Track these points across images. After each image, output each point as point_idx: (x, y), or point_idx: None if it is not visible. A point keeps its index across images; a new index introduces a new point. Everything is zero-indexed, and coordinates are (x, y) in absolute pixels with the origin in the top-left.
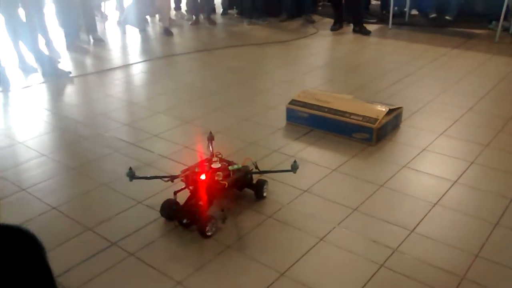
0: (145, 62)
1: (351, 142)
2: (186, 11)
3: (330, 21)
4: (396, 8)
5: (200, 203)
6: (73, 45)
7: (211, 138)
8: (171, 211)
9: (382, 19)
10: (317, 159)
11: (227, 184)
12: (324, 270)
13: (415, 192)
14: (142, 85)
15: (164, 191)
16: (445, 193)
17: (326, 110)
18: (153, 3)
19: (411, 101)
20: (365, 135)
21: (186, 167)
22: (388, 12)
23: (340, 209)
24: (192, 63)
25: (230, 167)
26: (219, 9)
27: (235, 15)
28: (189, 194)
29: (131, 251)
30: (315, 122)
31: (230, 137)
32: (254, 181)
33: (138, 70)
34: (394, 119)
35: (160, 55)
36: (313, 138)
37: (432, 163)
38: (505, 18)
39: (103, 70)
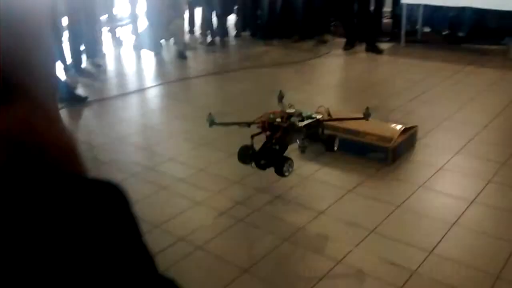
0: (160, 85)
1: (367, 162)
2: (200, 34)
3: (342, 41)
4: (408, 26)
5: (277, 146)
6: (78, 69)
7: (281, 97)
8: (248, 155)
9: (394, 37)
10: (332, 180)
11: (302, 126)
12: None
13: (432, 213)
14: (158, 108)
15: (182, 214)
16: (463, 212)
17: (340, 130)
18: (167, 27)
19: (426, 119)
20: (381, 155)
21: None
22: (400, 30)
23: (357, 231)
24: (206, 86)
25: (304, 114)
26: (232, 31)
27: (248, 37)
28: (266, 138)
29: None
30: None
31: None
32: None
33: (154, 94)
34: (409, 138)
35: (175, 79)
36: (328, 159)
37: (449, 183)
38: None
39: (119, 94)
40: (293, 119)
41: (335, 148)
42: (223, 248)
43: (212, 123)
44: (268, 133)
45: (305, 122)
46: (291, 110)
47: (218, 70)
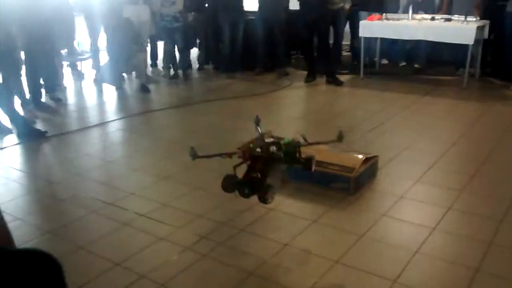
0: (122, 119)
1: (329, 192)
2: (162, 67)
3: (303, 73)
4: (367, 58)
5: (258, 174)
6: (37, 103)
7: (258, 121)
8: (232, 185)
9: (353, 69)
10: (296, 211)
11: (281, 155)
12: None
13: (395, 241)
14: (119, 142)
15: (145, 250)
16: (425, 240)
17: None
18: (129, 60)
19: (386, 149)
20: (343, 184)
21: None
22: (359, 62)
23: (322, 262)
24: (169, 119)
25: (281, 142)
26: (195, 64)
27: (211, 70)
28: (248, 167)
29: None
30: (291, 173)
31: (207, 193)
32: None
33: (115, 128)
34: (370, 167)
35: (137, 112)
36: (291, 190)
37: (410, 211)
38: (471, 65)
39: (79, 128)
40: (271, 148)
41: (313, 168)
42: (188, 285)
43: (195, 156)
44: (249, 162)
45: (283, 150)
46: (269, 139)
47: (181, 103)
